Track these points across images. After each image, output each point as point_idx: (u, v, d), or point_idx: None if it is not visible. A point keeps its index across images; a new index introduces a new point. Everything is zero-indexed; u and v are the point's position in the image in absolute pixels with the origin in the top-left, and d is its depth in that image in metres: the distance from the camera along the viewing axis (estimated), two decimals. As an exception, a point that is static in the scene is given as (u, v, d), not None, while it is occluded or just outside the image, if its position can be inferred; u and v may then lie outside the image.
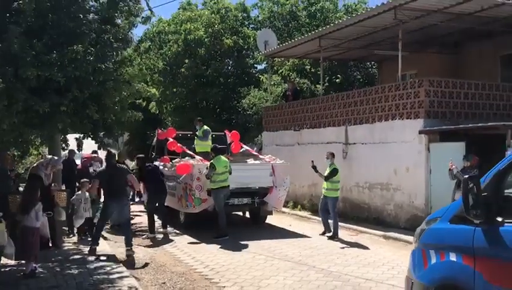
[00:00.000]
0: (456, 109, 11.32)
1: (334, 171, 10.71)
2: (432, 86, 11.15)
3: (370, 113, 12.62)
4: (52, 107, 5.80)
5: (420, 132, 11.00)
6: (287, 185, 11.98)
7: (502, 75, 14.37)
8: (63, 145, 12.24)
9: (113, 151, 9.66)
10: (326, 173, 10.85)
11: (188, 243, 10.09)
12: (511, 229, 3.42)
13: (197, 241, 10.21)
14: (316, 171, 11.23)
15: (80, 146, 16.79)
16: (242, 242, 9.90)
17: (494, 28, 13.21)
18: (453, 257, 3.82)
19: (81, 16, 6.24)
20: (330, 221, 10.91)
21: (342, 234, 11.23)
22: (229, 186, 10.69)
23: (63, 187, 11.58)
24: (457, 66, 15.41)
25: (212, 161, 10.67)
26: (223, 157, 10.88)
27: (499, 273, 3.43)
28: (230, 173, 10.74)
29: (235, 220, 12.87)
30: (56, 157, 9.19)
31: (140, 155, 11.76)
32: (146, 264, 8.19)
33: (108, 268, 7.54)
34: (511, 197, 3.74)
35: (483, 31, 13.64)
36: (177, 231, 11.43)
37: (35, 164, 9.25)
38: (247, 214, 13.12)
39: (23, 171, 17.64)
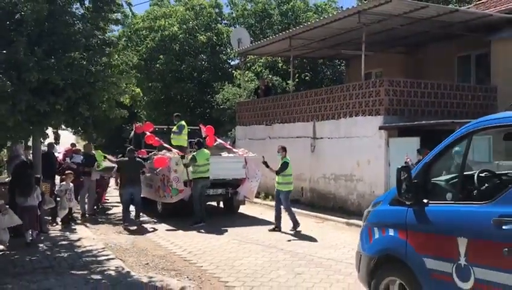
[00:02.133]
0: (413, 107, 12.36)
1: (284, 165, 10.76)
2: (391, 85, 12.16)
3: (336, 109, 13.56)
4: (49, 106, 6.43)
5: (380, 128, 11.99)
6: (259, 177, 12.82)
7: (459, 75, 15.55)
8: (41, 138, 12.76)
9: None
10: (277, 168, 10.95)
11: (166, 230, 10.84)
12: (434, 209, 4.33)
13: (175, 228, 10.97)
14: (267, 166, 11.20)
15: (57, 139, 17.20)
16: (217, 229, 10.70)
17: (451, 31, 14.28)
18: (391, 233, 4.71)
19: (73, 24, 6.87)
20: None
21: (309, 221, 12.17)
22: (208, 177, 11.48)
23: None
24: (419, 65, 16.50)
25: (194, 153, 11.42)
26: (205, 151, 11.66)
27: (423, 243, 4.34)
28: None
29: (210, 210, 13.65)
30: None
31: (132, 147, 12.47)
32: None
33: (95, 252, 8.25)
34: (436, 183, 4.64)
35: (442, 34, 14.73)
36: (155, 220, 12.13)
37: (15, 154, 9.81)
38: (222, 204, 13.90)
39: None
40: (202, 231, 10.60)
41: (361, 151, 12.61)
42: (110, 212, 13.66)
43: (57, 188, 10.55)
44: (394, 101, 12.15)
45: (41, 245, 8.59)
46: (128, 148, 12.17)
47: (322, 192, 14.06)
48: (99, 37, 7.29)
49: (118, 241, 9.50)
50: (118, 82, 7.37)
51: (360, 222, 11.61)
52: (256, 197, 14.38)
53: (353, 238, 10.14)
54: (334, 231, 10.91)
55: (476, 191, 4.31)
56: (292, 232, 10.50)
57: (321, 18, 15.68)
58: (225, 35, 23.39)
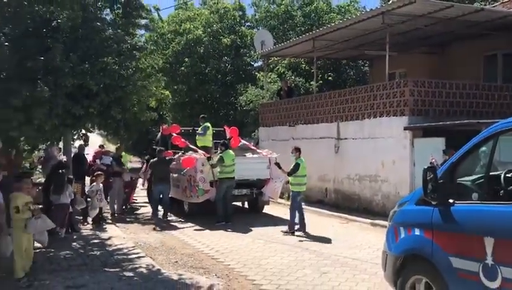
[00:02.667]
0: (438, 107, 12.31)
1: (295, 167, 10.68)
2: (416, 86, 12.14)
3: (360, 110, 13.60)
4: (83, 110, 6.73)
5: (405, 128, 11.99)
6: (283, 177, 12.88)
7: (485, 75, 15.38)
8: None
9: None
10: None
11: (193, 229, 11.07)
12: (460, 209, 4.40)
13: (201, 228, 11.19)
14: (279, 167, 11.37)
15: (86, 141, 17.61)
16: (242, 229, 10.88)
17: (477, 30, 14.15)
18: (417, 232, 4.79)
19: (104, 30, 7.16)
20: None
21: (333, 222, 12.25)
22: (234, 178, 11.72)
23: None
24: (444, 65, 16.37)
25: (221, 154, 11.67)
26: (231, 152, 11.91)
27: (450, 243, 4.41)
28: None
29: (234, 210, 13.85)
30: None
31: (162, 148, 12.88)
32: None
33: (125, 250, 8.52)
34: (462, 184, 4.70)
35: (467, 33, 14.60)
36: (182, 219, 12.39)
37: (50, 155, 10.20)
38: (246, 205, 14.09)
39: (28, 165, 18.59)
40: (229, 230, 10.80)
41: (386, 151, 12.62)
42: (138, 212, 13.98)
43: (87, 189, 10.88)
44: (419, 101, 12.13)
45: (74, 243, 8.91)
46: (158, 149, 12.56)
47: (346, 193, 14.10)
48: (129, 42, 7.55)
49: (147, 240, 9.77)
50: (148, 85, 7.61)
51: (385, 223, 11.65)
52: (281, 197, 14.50)
53: (378, 238, 10.19)
54: (359, 232, 10.97)
55: (502, 191, 4.35)
56: (318, 234, 10.58)
57: (344, 19, 15.73)
58: (248, 38, 23.60)
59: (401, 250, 5.01)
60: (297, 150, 11.03)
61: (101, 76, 6.68)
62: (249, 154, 13.47)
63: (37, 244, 7.89)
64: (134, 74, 7.64)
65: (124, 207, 13.97)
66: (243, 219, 12.34)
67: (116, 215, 12.67)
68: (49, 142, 9.24)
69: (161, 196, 12.40)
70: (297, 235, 10.27)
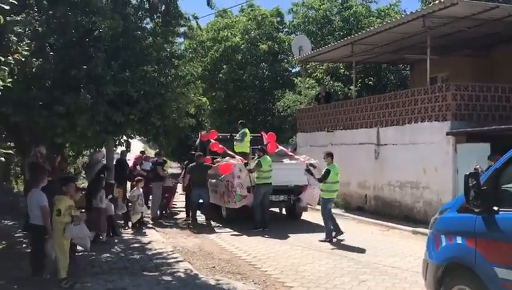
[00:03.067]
0: (482, 111, 11.90)
1: (326, 173, 10.46)
2: (458, 89, 11.78)
3: (400, 115, 13.31)
4: (124, 117, 6.92)
5: (447, 134, 11.65)
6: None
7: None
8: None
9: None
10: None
11: (231, 234, 11.12)
12: (505, 217, 4.22)
13: (239, 233, 11.22)
14: (311, 173, 11.24)
15: (128, 147, 18.07)
16: (280, 235, 10.84)
17: (524, 31, 13.61)
18: (459, 240, 4.63)
19: (145, 38, 7.34)
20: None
21: (373, 229, 12.03)
22: (271, 183, 11.73)
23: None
24: (489, 68, 15.82)
25: (259, 159, 11.72)
26: (268, 157, 11.94)
27: (494, 252, 4.24)
28: None
29: (272, 216, 13.83)
30: None
31: (200, 153, 13.15)
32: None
33: (164, 254, 8.65)
34: (507, 190, 4.51)
35: (514, 35, 14.06)
36: (220, 225, 12.47)
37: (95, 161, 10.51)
38: (284, 211, 14.04)
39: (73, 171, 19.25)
40: (266, 236, 10.78)
41: (428, 157, 12.29)
42: (177, 217, 14.18)
43: (129, 194, 11.13)
44: (462, 105, 11.76)
45: (115, 247, 9.13)
46: (196, 154, 12.74)
47: (386, 200, 13.82)
48: (168, 50, 7.71)
49: (185, 244, 9.88)
50: (186, 92, 7.74)
51: (427, 231, 11.35)
52: (319, 204, 14.32)
53: (420, 247, 9.87)
54: (400, 240, 10.71)
55: (550, 199, 4.16)
56: (357, 242, 10.41)
57: (384, 23, 15.47)
58: (286, 43, 23.61)
59: (442, 259, 4.85)
60: (329, 155, 10.86)
61: (141, 84, 6.85)
62: (286, 160, 13.43)
63: (79, 248, 8.15)
64: (173, 81, 7.79)
65: (163, 212, 14.21)
66: (281, 225, 12.30)
67: (155, 220, 12.93)
68: (92, 148, 9.53)
69: (200, 200, 12.60)
70: (335, 242, 10.12)
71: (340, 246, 9.81)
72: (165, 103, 7.31)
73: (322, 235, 10.67)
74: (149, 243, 9.65)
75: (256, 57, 23.33)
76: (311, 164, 11.70)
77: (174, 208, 15.29)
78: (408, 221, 12.54)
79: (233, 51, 22.84)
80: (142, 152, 15.45)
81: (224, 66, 22.80)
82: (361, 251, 9.35)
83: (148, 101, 7.06)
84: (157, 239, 10.00)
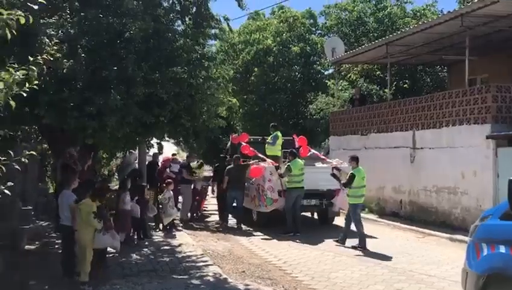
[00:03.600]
0: (526, 114, 11.34)
1: (350, 178, 10.08)
2: (499, 91, 11.28)
3: (437, 118, 12.87)
4: (154, 118, 6.89)
5: (487, 137, 11.16)
6: (354, 188, 12.49)
7: None
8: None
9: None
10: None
11: (261, 238, 10.97)
12: (554, 225, 3.92)
13: (269, 237, 11.06)
14: (337, 179, 10.90)
15: (160, 149, 18.23)
16: (311, 240, 10.61)
17: None
18: (502, 249, 4.34)
19: (176, 40, 7.30)
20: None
21: (409, 235, 11.64)
22: (303, 187, 11.50)
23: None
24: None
25: (289, 163, 11.51)
26: (299, 161, 11.71)
27: (542, 263, 3.94)
28: None
29: (304, 220, 13.61)
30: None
31: (238, 155, 13.07)
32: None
33: (194, 257, 8.58)
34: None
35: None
36: (251, 229, 12.34)
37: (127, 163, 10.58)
38: (316, 215, 13.79)
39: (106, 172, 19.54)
40: (297, 241, 10.58)
41: (467, 162, 11.82)
42: (208, 219, 14.13)
43: (160, 197, 11.15)
44: (503, 108, 11.25)
45: (145, 249, 9.12)
46: (234, 156, 12.70)
47: (422, 205, 13.37)
48: (199, 52, 7.64)
49: (215, 248, 9.79)
50: (216, 93, 7.64)
51: (466, 238, 10.87)
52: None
53: (458, 255, 9.49)
54: (436, 247, 10.31)
55: None
56: (392, 247, 10.08)
57: (420, 23, 15.02)
58: (319, 46, 23.34)
59: (483, 268, 4.57)
60: (354, 159, 10.48)
61: (171, 85, 6.80)
62: (318, 164, 13.19)
63: (110, 249, 8.17)
64: (204, 83, 7.71)
65: (194, 215, 14.20)
66: (312, 230, 12.07)
67: (185, 222, 12.94)
68: (124, 151, 9.56)
69: (234, 204, 12.58)
70: (368, 249, 9.81)
71: (374, 252, 9.50)
72: (195, 104, 7.24)
73: (354, 241, 10.39)
74: (179, 245, 9.61)
75: (289, 60, 23.14)
76: (335, 167, 11.35)
77: (206, 210, 15.25)
78: (445, 228, 12.08)
79: (265, 53, 22.73)
80: (174, 154, 15.46)
81: (256, 69, 22.72)
82: (396, 257, 9.03)
83: (177, 102, 7.00)
84: (187, 242, 9.95)
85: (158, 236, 10.64)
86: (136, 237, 9.81)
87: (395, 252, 9.56)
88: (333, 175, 10.91)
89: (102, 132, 6.65)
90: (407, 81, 20.01)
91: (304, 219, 13.73)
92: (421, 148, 13.52)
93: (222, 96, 8.86)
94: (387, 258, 8.99)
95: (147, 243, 9.77)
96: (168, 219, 10.81)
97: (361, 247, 9.84)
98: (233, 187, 12.43)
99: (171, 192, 11.14)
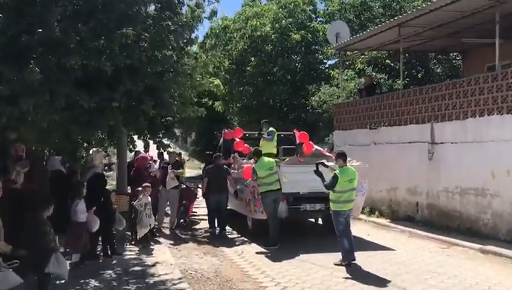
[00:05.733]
0: None
1: (332, 179, 8.15)
2: (540, 74, 9.48)
3: (461, 107, 11.06)
4: (102, 103, 5.07)
5: (525, 129, 9.36)
6: (365, 189, 10.73)
7: None
8: (130, 146, 11.85)
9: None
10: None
11: (257, 252, 9.16)
12: None
13: (266, 251, 9.28)
14: (321, 178, 8.55)
15: (146, 147, 16.38)
16: (316, 254, 8.82)
17: None
18: None
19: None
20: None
21: (429, 245, 9.90)
22: (279, 189, 9.79)
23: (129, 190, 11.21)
24: None
25: (254, 165, 9.94)
26: (265, 159, 10.01)
27: None
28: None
29: (308, 228, 11.88)
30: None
31: (218, 154, 11.61)
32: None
33: (169, 284, 6.78)
34: None
35: None
36: (245, 239, 10.59)
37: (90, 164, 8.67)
38: (320, 221, 12.04)
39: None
40: (300, 255, 8.76)
41: (498, 158, 10.01)
42: (197, 227, 12.33)
43: (134, 203, 9.33)
44: (544, 94, 9.46)
45: (109, 272, 7.30)
46: (215, 154, 10.93)
47: (443, 209, 11.56)
48: (172, 18, 5.76)
49: (199, 267, 8.00)
50: (193, 72, 5.79)
51: (499, 250, 9.17)
52: (361, 212, 12.28)
53: (495, 272, 7.73)
54: (467, 261, 8.54)
55: None
56: (415, 264, 8.29)
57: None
58: (321, 33, 21.52)
59: None
60: (340, 156, 8.46)
61: (123, 56, 4.98)
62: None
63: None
64: (179, 59, 5.86)
65: (182, 221, 12.46)
66: (317, 240, 10.30)
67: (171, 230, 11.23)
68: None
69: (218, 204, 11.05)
70: (387, 267, 8.02)
71: (394, 271, 7.71)
72: (163, 85, 5.43)
73: (370, 256, 8.65)
74: (153, 265, 7.79)
75: (288, 48, 21.33)
76: (321, 163, 9.04)
77: (195, 216, 13.45)
78: (471, 236, 10.30)
79: (263, 41, 20.91)
80: (161, 154, 13.50)
81: (253, 58, 20.89)
82: (423, 280, 7.26)
83: (135, 81, 5.19)
84: (165, 260, 8.13)
85: (131, 252, 8.80)
86: (102, 253, 8.02)
87: (420, 271, 7.77)
88: (317, 172, 8.67)
89: (23, 122, 4.82)
90: (419, 69, 18.19)
91: (306, 226, 12.02)
92: (441, 143, 11.71)
93: (200, 77, 6.99)
94: (411, 280, 7.22)
95: (114, 261, 7.96)
96: (143, 230, 8.99)
97: (345, 263, 8.05)
98: (216, 190, 11.02)
99: (149, 197, 9.33)
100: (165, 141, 8.49)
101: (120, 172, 12.84)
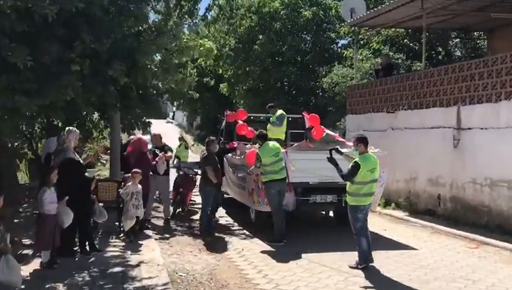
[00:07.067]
0: None
1: (352, 168, 6.89)
2: None
3: (493, 88, 9.76)
4: (58, 66, 3.89)
5: None
6: (384, 179, 9.50)
7: None
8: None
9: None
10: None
11: (260, 252, 8.01)
12: None
13: (271, 249, 8.14)
14: (336, 166, 7.26)
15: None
16: (329, 254, 7.67)
17: None
18: None
19: None
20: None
21: (455, 244, 8.73)
22: (285, 179, 8.66)
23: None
24: None
25: (257, 150, 8.76)
26: (271, 144, 8.84)
27: None
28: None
29: (317, 222, 10.75)
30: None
31: (212, 138, 9.96)
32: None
33: (151, 291, 5.65)
34: None
35: None
36: (247, 233, 9.47)
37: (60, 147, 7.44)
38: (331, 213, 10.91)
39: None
40: (308, 255, 7.61)
41: (537, 147, 8.76)
42: (195, 217, 11.21)
43: (121, 191, 8.19)
44: None
45: (83, 273, 6.17)
46: (208, 139, 9.64)
47: (469, 203, 10.33)
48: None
49: (191, 267, 6.88)
50: (176, 31, 4.56)
51: (539, 250, 8.01)
52: (379, 205, 11.12)
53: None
54: (503, 265, 7.34)
55: None
56: (443, 267, 7.12)
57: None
58: (333, 11, 20.08)
59: None
60: (360, 141, 7.10)
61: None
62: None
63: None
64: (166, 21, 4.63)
65: (179, 210, 11.39)
66: (328, 236, 9.15)
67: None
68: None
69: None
70: (414, 272, 6.85)
71: (421, 278, 6.55)
72: (137, 45, 4.22)
73: (389, 256, 7.48)
74: (137, 265, 6.66)
75: (298, 26, 19.92)
76: (335, 149, 7.68)
77: (193, 205, 12.32)
78: (503, 234, 9.12)
79: (271, 18, 19.52)
80: (158, 136, 12.20)
81: (261, 36, 19.54)
82: (452, 284, 6.10)
83: (99, 37, 3.96)
84: (152, 259, 6.99)
85: (115, 248, 7.66)
86: (79, 250, 6.92)
87: (451, 277, 6.59)
88: (331, 160, 7.38)
89: None
90: (440, 51, 16.78)
91: (316, 219, 10.89)
92: (469, 128, 10.43)
93: (186, 36, 5.73)
94: (439, 285, 6.07)
95: (92, 258, 6.84)
96: (128, 222, 7.85)
97: (362, 267, 6.89)
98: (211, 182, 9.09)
99: (139, 186, 8.18)
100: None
101: (113, 156, 11.81)
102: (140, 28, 4.45)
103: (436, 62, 16.36)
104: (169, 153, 10.25)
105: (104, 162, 19.81)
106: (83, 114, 11.42)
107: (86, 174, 7.05)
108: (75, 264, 6.53)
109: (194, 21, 8.18)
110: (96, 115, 11.23)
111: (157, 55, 4.89)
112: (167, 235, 8.97)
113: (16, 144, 9.82)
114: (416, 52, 16.36)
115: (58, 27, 3.84)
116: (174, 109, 46.38)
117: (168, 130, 37.44)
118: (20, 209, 9.96)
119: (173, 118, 55.83)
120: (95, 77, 4.41)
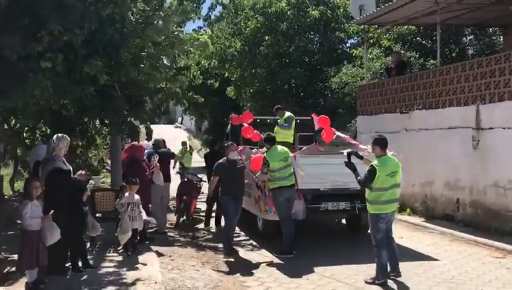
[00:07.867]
0: None
1: (369, 173, 6.30)
2: None
3: (517, 85, 9.12)
4: (25, 62, 3.36)
5: None
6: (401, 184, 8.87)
7: None
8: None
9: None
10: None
11: (267, 264, 7.43)
12: None
13: (280, 261, 7.55)
14: (354, 171, 6.61)
15: (149, 135, 14.65)
16: (342, 267, 7.06)
17: None
18: None
19: None
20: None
21: (479, 253, 8.10)
22: (294, 185, 8.07)
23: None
24: None
25: (265, 154, 8.22)
26: (279, 148, 8.28)
27: None
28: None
29: (329, 232, 10.14)
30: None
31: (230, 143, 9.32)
32: None
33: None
34: None
35: None
36: (254, 243, 8.89)
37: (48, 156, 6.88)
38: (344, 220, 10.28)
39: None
40: (320, 270, 7.00)
41: None
42: (199, 226, 10.66)
43: (116, 202, 7.63)
44: None
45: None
46: (228, 144, 8.96)
47: (491, 208, 9.66)
48: None
49: (193, 284, 6.31)
50: (165, 21, 4.00)
51: None
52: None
53: None
54: (536, 278, 6.67)
55: None
56: (469, 282, 6.49)
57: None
58: (341, 10, 19.48)
59: None
60: (378, 143, 6.50)
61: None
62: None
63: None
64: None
65: (184, 219, 10.83)
66: (342, 246, 8.56)
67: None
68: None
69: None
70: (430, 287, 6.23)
71: (445, 294, 5.93)
72: (119, 38, 3.69)
73: (409, 268, 6.86)
74: (134, 283, 6.10)
75: (305, 27, 19.33)
76: (354, 152, 7.05)
77: (198, 213, 11.76)
78: (529, 241, 8.45)
79: (278, 18, 18.96)
80: (157, 141, 11.49)
81: (267, 37, 18.99)
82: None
83: (71, 28, 3.43)
84: (150, 275, 6.42)
85: (110, 264, 7.09)
86: (71, 267, 6.38)
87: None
88: (349, 164, 6.71)
89: None
90: (453, 48, 16.10)
91: (328, 228, 10.28)
92: (490, 128, 9.78)
93: (176, 28, 5.13)
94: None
95: (85, 276, 6.29)
96: (123, 236, 7.27)
97: (379, 282, 6.27)
98: (231, 192, 8.16)
99: (136, 196, 7.63)
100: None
101: (113, 163, 11.32)
102: (122, 17, 3.92)
103: (450, 59, 15.70)
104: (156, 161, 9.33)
105: (109, 168, 19.41)
106: (85, 120, 10.96)
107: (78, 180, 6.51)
108: (64, 283, 5.98)
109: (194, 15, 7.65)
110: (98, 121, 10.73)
111: (143, 49, 4.34)
112: (169, 247, 8.38)
113: None
114: (429, 50, 15.71)
115: (19, 16, 3.33)
116: (181, 113, 46.12)
117: (176, 134, 37.11)
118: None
119: (181, 123, 55.61)
120: (67, 74, 3.86)
